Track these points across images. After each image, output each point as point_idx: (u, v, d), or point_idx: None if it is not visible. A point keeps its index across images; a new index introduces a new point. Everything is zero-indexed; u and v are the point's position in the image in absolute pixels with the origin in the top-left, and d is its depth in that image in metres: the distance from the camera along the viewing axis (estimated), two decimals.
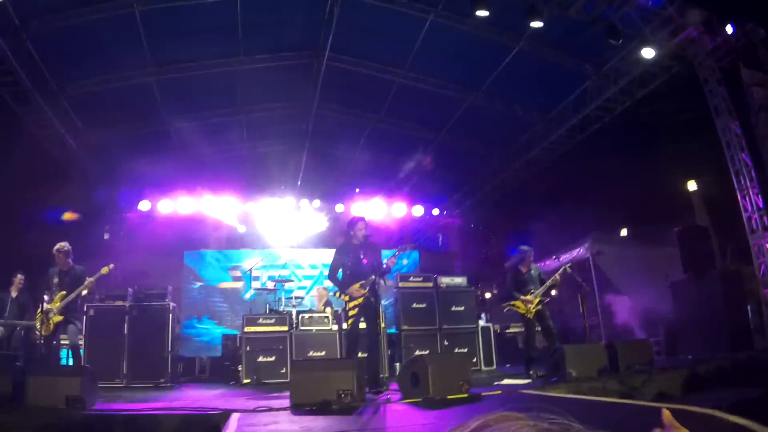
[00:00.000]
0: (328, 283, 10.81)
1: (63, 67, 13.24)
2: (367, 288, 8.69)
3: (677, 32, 12.14)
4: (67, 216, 16.45)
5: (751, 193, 11.59)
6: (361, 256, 8.93)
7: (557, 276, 10.72)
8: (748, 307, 12.22)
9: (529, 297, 10.53)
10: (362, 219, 9.32)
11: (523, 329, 11.32)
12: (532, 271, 10.96)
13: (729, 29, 12.13)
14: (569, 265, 11.54)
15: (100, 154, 16.61)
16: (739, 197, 11.82)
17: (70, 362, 9.96)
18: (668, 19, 12.01)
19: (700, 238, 13.45)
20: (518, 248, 11.13)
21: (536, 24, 11.65)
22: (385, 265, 8.90)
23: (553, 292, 10.74)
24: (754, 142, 11.74)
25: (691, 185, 19.49)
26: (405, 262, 19.17)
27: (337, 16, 12.98)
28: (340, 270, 9.07)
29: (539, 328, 10.77)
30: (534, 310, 10.53)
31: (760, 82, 12.15)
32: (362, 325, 8.91)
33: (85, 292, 9.72)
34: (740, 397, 7.27)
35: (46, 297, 9.51)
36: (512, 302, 10.75)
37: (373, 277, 8.72)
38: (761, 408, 6.67)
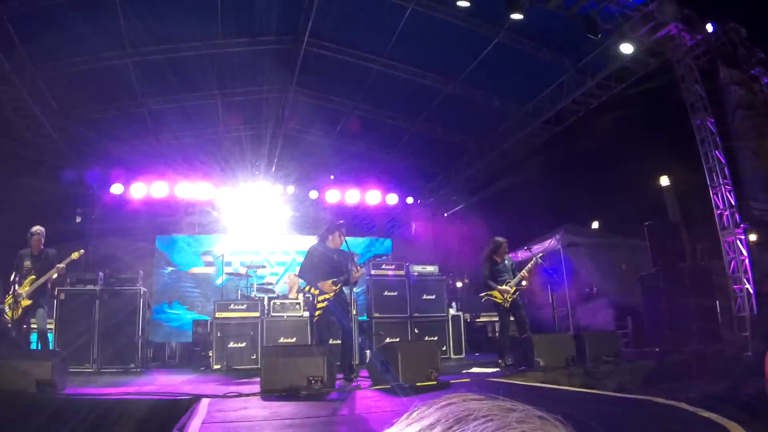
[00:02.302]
0: None
1: (40, 47, 13.00)
2: (339, 286, 8.71)
3: (657, 29, 12.20)
4: None
5: (723, 190, 11.72)
6: (335, 258, 8.94)
7: (530, 267, 10.79)
8: (717, 303, 12.38)
9: (505, 287, 10.58)
10: (341, 227, 9.32)
11: (497, 318, 11.34)
12: (506, 262, 11.02)
13: (709, 27, 12.23)
14: (540, 255, 11.61)
15: (75, 136, 16.41)
16: (711, 194, 11.94)
17: (39, 347, 9.87)
18: (648, 16, 12.07)
19: (671, 233, 13.60)
20: (492, 239, 11.17)
21: (517, 16, 11.66)
22: (356, 271, 8.87)
23: (524, 283, 10.77)
24: (728, 139, 11.87)
25: (664, 180, 19.68)
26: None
27: (317, 1, 12.93)
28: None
29: (512, 318, 10.81)
30: (510, 299, 10.59)
31: (738, 80, 12.27)
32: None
33: (55, 276, 9.66)
34: (706, 390, 7.38)
35: (16, 279, 9.41)
36: (490, 292, 10.78)
37: (345, 276, 8.71)
38: (726, 401, 6.77)
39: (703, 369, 9.53)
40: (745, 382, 8.19)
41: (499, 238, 11.10)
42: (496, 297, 10.68)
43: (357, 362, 11.15)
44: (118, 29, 12.99)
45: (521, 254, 15.05)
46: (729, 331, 12.07)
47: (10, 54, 12.36)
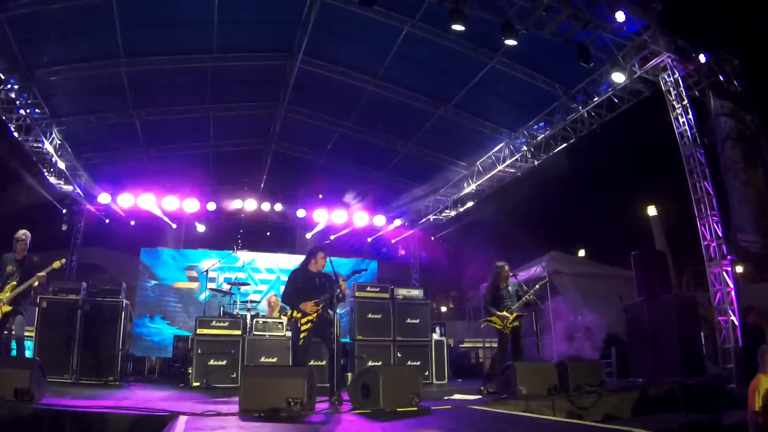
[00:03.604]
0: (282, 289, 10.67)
1: (36, 51, 12.95)
2: (321, 306, 8.62)
3: (649, 58, 12.26)
4: None
5: (710, 221, 11.72)
6: (317, 282, 8.87)
7: (531, 294, 10.69)
8: (702, 334, 12.38)
9: (505, 313, 10.49)
10: (323, 249, 9.26)
11: (497, 344, 11.18)
12: (510, 287, 10.92)
13: (702, 58, 12.30)
14: (546, 281, 11.55)
15: (64, 144, 16.31)
16: (698, 225, 11.94)
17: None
18: (641, 45, 12.12)
19: (657, 263, 13.61)
20: (494, 264, 11.10)
21: (511, 42, 11.67)
22: (339, 293, 8.78)
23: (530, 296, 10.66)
24: (717, 170, 11.90)
25: (651, 210, 19.75)
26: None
27: (313, 19, 12.96)
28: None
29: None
30: (511, 326, 10.49)
31: (728, 111, 12.33)
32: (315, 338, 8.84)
33: (36, 284, 9.53)
34: (689, 421, 7.35)
35: None
36: (489, 318, 10.70)
37: (327, 295, 8.63)
38: None
39: (686, 400, 9.50)
40: (727, 414, 8.18)
41: (500, 263, 11.03)
42: (495, 323, 10.59)
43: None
44: (114, 39, 12.94)
45: None
46: (713, 362, 12.07)
47: (6, 56, 12.33)
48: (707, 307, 12.48)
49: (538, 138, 16.10)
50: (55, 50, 13.09)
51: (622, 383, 11.91)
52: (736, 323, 11.30)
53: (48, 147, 15.39)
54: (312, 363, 9.04)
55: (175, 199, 18.76)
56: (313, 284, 8.83)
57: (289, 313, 9.04)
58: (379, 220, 21.19)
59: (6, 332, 9.53)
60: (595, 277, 17.78)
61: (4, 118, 13.82)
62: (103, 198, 18.22)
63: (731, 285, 11.51)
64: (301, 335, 8.62)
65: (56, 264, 9.70)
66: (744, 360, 10.84)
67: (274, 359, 11.92)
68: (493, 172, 17.93)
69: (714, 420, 7.77)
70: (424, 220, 22.12)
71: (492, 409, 7.50)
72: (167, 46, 13.81)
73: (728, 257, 11.62)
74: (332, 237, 20.67)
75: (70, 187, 17.83)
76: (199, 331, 11.96)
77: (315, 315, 8.58)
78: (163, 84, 15.06)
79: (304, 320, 8.58)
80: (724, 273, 11.56)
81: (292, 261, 11.81)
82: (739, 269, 12.82)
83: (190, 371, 11.78)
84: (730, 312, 11.37)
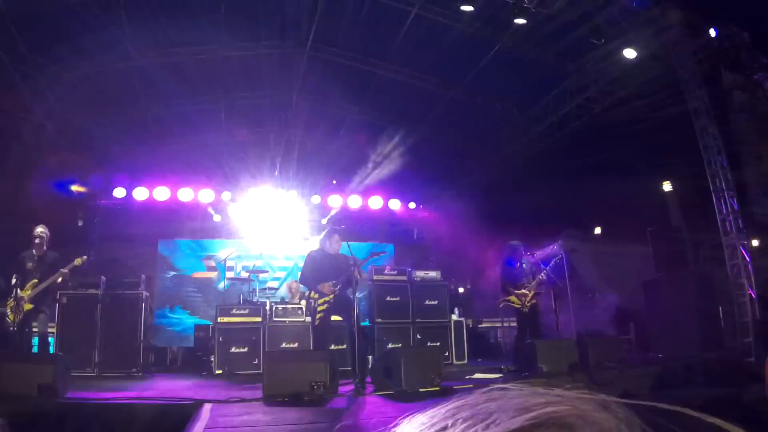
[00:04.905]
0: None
1: (43, 49, 13.02)
2: (338, 287, 8.68)
3: (660, 33, 12.18)
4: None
5: (726, 195, 11.69)
6: (333, 263, 8.95)
7: (546, 270, 10.70)
8: (720, 308, 12.36)
9: (524, 291, 10.50)
10: (338, 232, 9.36)
11: (516, 323, 11.21)
12: (524, 265, 10.94)
13: (712, 32, 12.22)
14: (559, 257, 11.57)
15: (78, 140, 16.40)
16: (714, 199, 11.91)
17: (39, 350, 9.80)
18: (652, 20, 12.04)
19: (674, 239, 13.58)
20: (507, 243, 11.10)
21: (520, 21, 11.63)
22: (356, 275, 8.82)
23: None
24: (731, 145, 11.86)
25: (667, 186, 19.66)
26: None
27: (321, 5, 12.94)
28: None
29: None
30: (529, 304, 10.51)
31: (741, 85, 12.26)
32: (336, 318, 8.91)
33: (59, 280, 9.60)
34: (711, 396, 7.35)
35: (18, 283, 9.34)
36: (507, 297, 10.71)
37: (344, 277, 8.68)
38: (733, 407, 6.75)
39: (706, 375, 9.51)
40: (748, 388, 8.18)
41: (514, 242, 11.05)
42: (514, 302, 10.60)
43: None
44: (122, 34, 12.97)
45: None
46: (731, 336, 12.06)
47: (15, 58, 12.36)
48: (724, 282, 12.48)
49: (550, 117, 16.05)
50: (62, 47, 13.10)
51: (641, 359, 11.94)
52: (754, 297, 11.29)
53: (61, 144, 15.44)
54: (333, 347, 9.10)
55: (190, 190, 18.81)
56: (330, 265, 8.91)
57: (306, 294, 9.13)
58: (394, 203, 21.18)
59: (27, 329, 9.62)
60: (612, 254, 17.74)
61: (15, 117, 13.86)
62: (119, 192, 18.30)
63: (748, 259, 11.49)
64: (318, 316, 8.70)
65: (78, 261, 9.78)
66: (762, 334, 10.85)
67: (295, 344, 12.01)
68: (505, 152, 17.90)
69: (735, 395, 7.78)
70: (439, 202, 22.09)
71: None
72: (176, 39, 13.77)
73: (744, 231, 11.60)
74: (342, 226, 20.65)
75: (84, 184, 17.90)
76: (219, 319, 12.07)
77: (332, 296, 8.65)
78: (174, 77, 15.06)
79: (320, 301, 8.66)
80: (741, 247, 11.55)
81: (309, 247, 11.86)
82: (755, 243, 12.76)
83: (212, 359, 11.90)
84: (748, 286, 11.36)
